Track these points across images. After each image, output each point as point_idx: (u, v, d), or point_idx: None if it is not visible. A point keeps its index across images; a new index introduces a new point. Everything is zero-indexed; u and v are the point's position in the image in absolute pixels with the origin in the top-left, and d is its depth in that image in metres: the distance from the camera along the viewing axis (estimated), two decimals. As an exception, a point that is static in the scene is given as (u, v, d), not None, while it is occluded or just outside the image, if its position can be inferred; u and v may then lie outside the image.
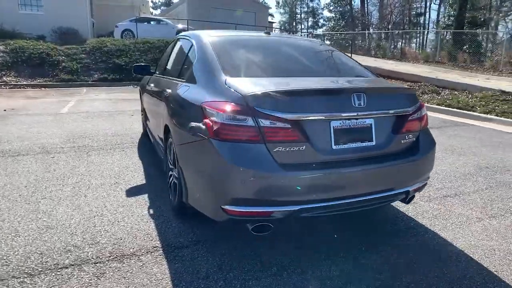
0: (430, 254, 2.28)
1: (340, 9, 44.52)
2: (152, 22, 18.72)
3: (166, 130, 2.80)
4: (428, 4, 38.32)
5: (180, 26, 18.65)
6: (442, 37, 19.30)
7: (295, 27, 50.76)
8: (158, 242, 2.33)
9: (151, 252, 2.22)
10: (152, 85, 3.76)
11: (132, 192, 3.17)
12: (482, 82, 10.02)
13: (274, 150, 1.85)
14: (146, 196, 3.08)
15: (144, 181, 3.44)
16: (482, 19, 20.58)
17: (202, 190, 2.12)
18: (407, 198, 2.30)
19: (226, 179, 1.89)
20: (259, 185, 1.85)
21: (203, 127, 2.01)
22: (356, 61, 2.98)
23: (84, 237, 2.37)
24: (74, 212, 2.73)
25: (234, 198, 1.89)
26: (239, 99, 1.91)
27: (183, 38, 3.31)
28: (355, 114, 2.01)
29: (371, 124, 2.08)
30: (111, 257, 2.15)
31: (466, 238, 2.50)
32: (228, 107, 1.91)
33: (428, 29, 35.82)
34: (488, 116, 7.12)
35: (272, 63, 2.65)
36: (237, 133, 1.86)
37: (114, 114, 6.87)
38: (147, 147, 4.60)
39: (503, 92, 8.32)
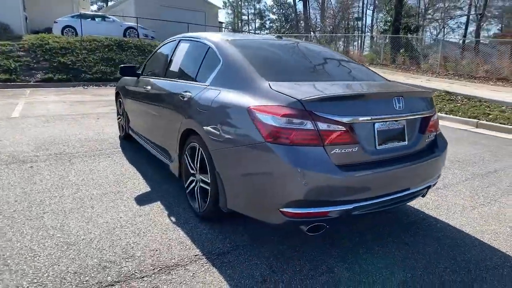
0: (450, 241, 2.52)
1: (283, 11, 45.90)
2: (97, 19, 17.53)
3: (186, 134, 2.71)
4: (364, 10, 41.28)
5: (128, 23, 17.78)
6: (381, 41, 20.82)
7: (241, 28, 51.09)
8: (197, 250, 2.26)
9: (195, 261, 2.15)
10: (148, 87, 3.58)
11: (142, 200, 3.00)
12: (426, 83, 11.09)
13: (332, 152, 1.92)
14: (159, 203, 2.94)
15: (149, 188, 3.27)
16: (414, 25, 22.68)
17: (253, 193, 2.11)
18: (427, 192, 2.53)
19: (286, 182, 1.91)
20: (318, 186, 1.90)
21: (254, 131, 2.01)
22: (364, 65, 3.18)
23: (115, 251, 2.21)
24: (89, 225, 2.52)
25: (293, 201, 1.91)
26: (294, 103, 1.94)
27: (192, 40, 3.19)
28: (396, 116, 2.16)
29: (404, 125, 2.25)
30: (156, 270, 2.04)
31: (471, 224, 2.80)
32: (285, 111, 1.93)
33: (371, 33, 38.42)
34: (439, 114, 7.92)
35: (300, 67, 2.71)
36: (297, 136, 1.89)
37: (77, 118, 6.36)
38: (133, 151, 4.37)
39: (447, 92, 9.31)
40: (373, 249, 2.37)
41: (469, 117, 7.51)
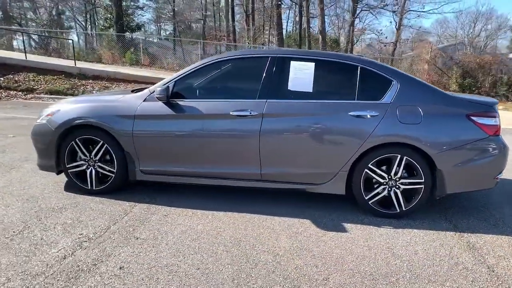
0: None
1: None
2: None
3: (370, 150, 3.01)
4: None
5: None
6: (108, 38, 19.37)
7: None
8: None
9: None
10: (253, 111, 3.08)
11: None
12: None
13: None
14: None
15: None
16: (136, 24, 23.25)
17: (477, 174, 3.06)
18: None
19: (503, 159, 3.06)
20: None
21: (478, 130, 2.95)
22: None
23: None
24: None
25: (502, 169, 3.09)
26: (490, 108, 3.05)
27: (337, 62, 3.23)
28: None
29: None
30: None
31: None
32: (494, 114, 3.02)
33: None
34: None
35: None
36: (499, 129, 3.03)
37: None
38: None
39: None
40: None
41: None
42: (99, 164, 3.35)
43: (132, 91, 3.64)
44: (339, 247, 2.55)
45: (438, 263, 2.38)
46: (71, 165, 3.38)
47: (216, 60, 3.32)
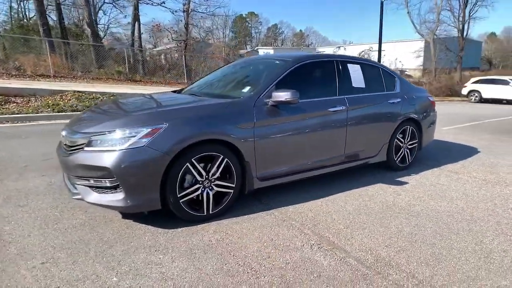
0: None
1: None
2: None
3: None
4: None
5: None
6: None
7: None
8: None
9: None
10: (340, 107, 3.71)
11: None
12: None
13: None
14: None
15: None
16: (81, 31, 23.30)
17: (432, 131, 5.11)
18: None
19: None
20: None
21: (432, 106, 4.91)
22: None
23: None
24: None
25: None
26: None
27: (359, 63, 4.16)
28: None
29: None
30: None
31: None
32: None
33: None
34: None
35: None
36: None
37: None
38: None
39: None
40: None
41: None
42: (217, 182, 2.90)
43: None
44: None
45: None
46: (183, 193, 2.74)
47: (303, 63, 3.58)
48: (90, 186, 2.69)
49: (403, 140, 4.49)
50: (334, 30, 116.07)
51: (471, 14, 29.36)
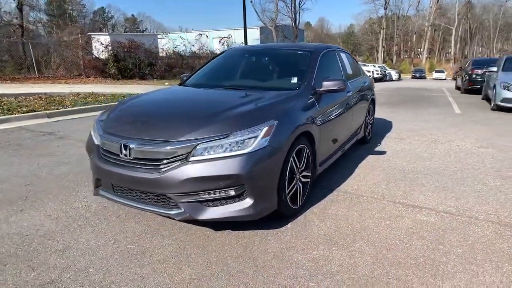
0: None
1: None
2: None
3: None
4: None
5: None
6: None
7: None
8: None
9: None
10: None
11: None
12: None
13: None
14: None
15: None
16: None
17: None
18: None
19: None
20: None
21: None
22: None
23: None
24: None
25: None
26: None
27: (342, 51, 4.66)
28: None
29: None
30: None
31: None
32: None
33: None
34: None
35: None
36: None
37: None
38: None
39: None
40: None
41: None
42: (303, 173, 2.94)
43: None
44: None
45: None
46: (289, 188, 2.70)
47: (324, 51, 3.92)
48: (201, 201, 2.34)
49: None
50: (169, 16, 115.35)
51: (301, 5, 35.72)
